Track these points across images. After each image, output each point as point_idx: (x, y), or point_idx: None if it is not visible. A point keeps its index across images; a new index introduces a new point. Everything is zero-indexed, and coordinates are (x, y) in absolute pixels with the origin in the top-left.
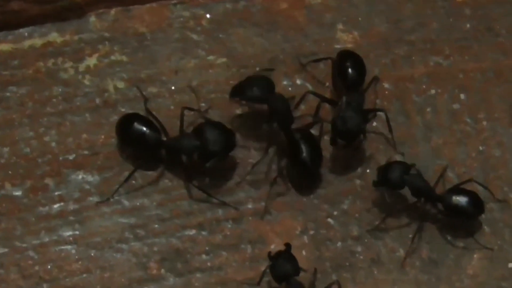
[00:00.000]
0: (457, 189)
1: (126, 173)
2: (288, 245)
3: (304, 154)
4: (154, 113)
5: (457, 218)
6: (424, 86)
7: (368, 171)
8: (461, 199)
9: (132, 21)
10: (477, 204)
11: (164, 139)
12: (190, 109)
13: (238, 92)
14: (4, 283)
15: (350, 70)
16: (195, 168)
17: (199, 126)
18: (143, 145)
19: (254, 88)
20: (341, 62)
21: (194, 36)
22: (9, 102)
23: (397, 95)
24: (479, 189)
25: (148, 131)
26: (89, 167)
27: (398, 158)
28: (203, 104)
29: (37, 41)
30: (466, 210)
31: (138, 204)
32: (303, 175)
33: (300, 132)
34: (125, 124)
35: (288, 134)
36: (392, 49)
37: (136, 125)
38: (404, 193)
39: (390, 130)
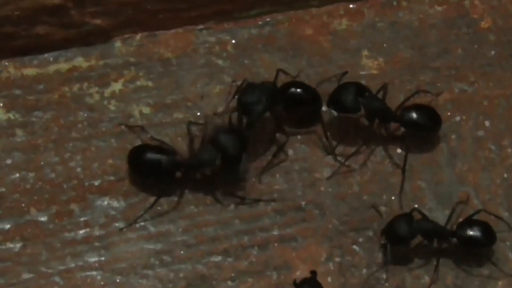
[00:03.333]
0: (467, 222)
1: (152, 199)
2: (313, 273)
3: None
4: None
5: (471, 249)
6: (448, 113)
7: (393, 198)
8: (472, 231)
9: (157, 46)
10: (488, 235)
11: (179, 158)
12: (195, 123)
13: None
14: None
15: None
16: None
17: (213, 136)
18: (161, 171)
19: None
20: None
21: (220, 62)
22: (34, 127)
23: None
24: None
25: (163, 156)
26: (114, 193)
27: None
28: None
29: (63, 66)
30: (478, 242)
31: (163, 230)
32: None
33: None
34: (137, 158)
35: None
36: (417, 76)
37: (149, 155)
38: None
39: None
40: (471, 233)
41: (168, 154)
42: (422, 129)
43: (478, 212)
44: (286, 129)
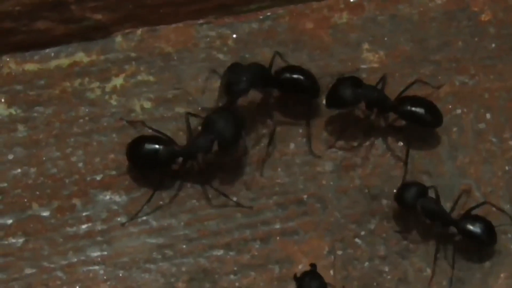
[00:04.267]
0: (472, 216)
1: (154, 193)
2: (313, 265)
3: None
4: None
5: (471, 243)
6: (449, 106)
7: (394, 191)
8: (475, 227)
9: (158, 41)
10: (490, 234)
11: (176, 148)
12: (194, 115)
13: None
14: None
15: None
16: (212, 170)
17: (206, 121)
18: (159, 160)
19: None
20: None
21: (220, 56)
22: (36, 122)
23: None
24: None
25: (160, 145)
26: (116, 188)
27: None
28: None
29: (64, 61)
30: (479, 238)
31: (165, 224)
32: None
33: None
34: (135, 149)
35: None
36: (418, 69)
37: (147, 145)
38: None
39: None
40: (472, 228)
41: (166, 143)
42: (419, 121)
43: (482, 204)
44: (274, 116)
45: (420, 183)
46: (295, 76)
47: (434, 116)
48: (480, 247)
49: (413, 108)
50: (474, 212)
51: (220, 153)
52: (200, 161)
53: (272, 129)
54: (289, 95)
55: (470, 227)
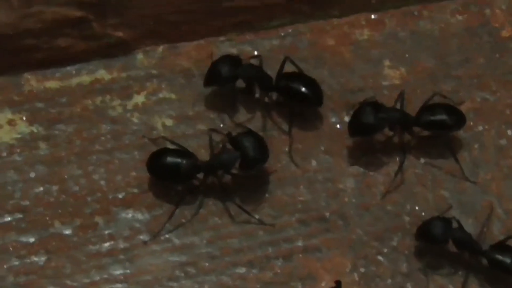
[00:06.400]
0: (501, 246)
1: (176, 211)
2: (338, 282)
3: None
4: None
5: (501, 273)
6: (471, 122)
7: (417, 208)
8: (505, 258)
9: (179, 58)
10: None
11: (198, 162)
12: (216, 131)
13: (211, 80)
14: None
15: None
16: (234, 187)
17: (230, 138)
18: (181, 174)
19: (223, 70)
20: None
21: None
22: (57, 140)
23: None
24: None
25: (182, 159)
26: (138, 205)
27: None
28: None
29: (85, 78)
30: (508, 270)
31: (188, 242)
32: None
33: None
34: (157, 161)
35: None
36: (439, 85)
37: (169, 158)
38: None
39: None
40: (501, 258)
41: (188, 157)
42: (442, 128)
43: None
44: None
45: (443, 217)
46: (296, 85)
47: (455, 119)
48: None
49: (433, 117)
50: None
51: (242, 171)
52: (221, 177)
53: (290, 142)
54: (288, 101)
55: (498, 257)
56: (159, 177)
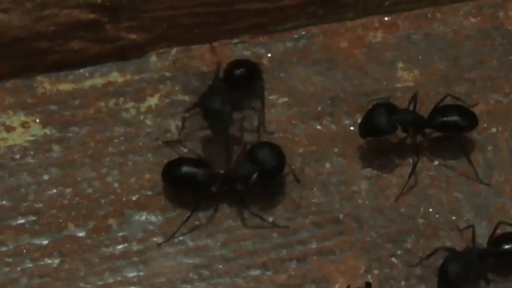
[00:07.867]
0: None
1: (189, 213)
2: (368, 284)
3: None
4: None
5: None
6: (485, 125)
7: (430, 210)
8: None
9: (193, 61)
10: None
11: (215, 172)
12: (232, 137)
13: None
14: None
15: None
16: (248, 195)
17: (249, 151)
18: (197, 184)
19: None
20: None
21: None
22: (71, 142)
23: None
24: None
25: (199, 169)
26: (152, 208)
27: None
28: None
29: (98, 81)
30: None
31: (201, 244)
32: None
33: None
34: (173, 171)
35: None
36: (452, 87)
37: (185, 168)
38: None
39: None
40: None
41: (205, 167)
42: (455, 129)
43: None
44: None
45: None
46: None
47: (467, 120)
48: None
49: (445, 118)
50: None
51: (260, 181)
52: (238, 187)
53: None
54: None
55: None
56: (175, 187)
